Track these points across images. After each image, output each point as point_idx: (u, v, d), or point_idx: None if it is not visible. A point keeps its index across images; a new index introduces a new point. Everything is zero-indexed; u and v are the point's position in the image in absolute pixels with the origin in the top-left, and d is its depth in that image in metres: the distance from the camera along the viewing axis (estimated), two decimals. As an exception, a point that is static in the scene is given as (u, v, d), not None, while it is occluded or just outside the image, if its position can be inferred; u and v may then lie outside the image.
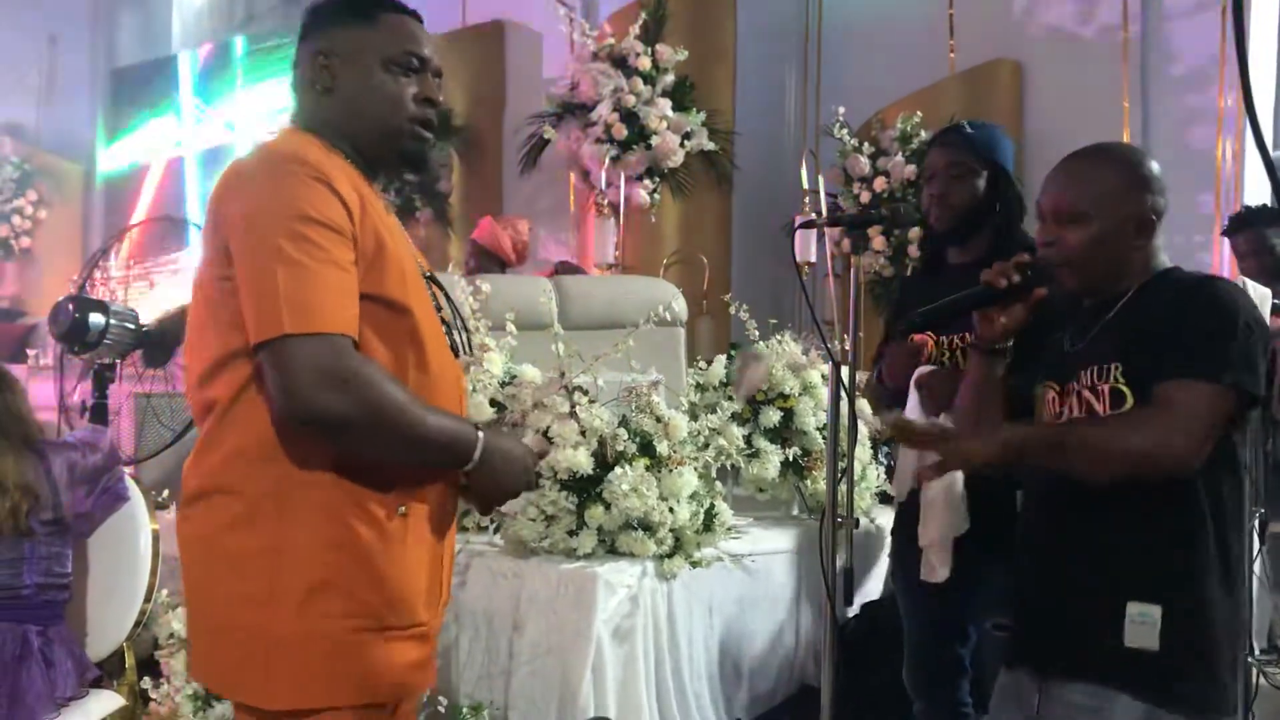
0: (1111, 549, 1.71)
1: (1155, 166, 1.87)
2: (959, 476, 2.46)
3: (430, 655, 1.77)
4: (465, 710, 3.02)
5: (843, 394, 2.32)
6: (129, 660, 2.75)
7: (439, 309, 1.79)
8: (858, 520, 2.33)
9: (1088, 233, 1.81)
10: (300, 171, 1.60)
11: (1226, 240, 4.16)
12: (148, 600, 2.77)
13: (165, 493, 3.13)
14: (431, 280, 1.80)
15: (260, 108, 8.92)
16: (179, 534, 1.71)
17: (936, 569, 2.52)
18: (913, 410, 2.41)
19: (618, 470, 3.10)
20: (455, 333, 1.83)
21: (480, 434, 1.70)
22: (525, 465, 1.82)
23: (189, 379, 1.71)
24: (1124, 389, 1.73)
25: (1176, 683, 1.66)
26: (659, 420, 3.24)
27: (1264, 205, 4.38)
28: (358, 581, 1.62)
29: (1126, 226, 1.81)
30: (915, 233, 4.98)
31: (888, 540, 3.09)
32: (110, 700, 2.62)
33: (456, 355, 1.80)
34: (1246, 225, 4.17)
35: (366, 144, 1.76)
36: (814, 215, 4.53)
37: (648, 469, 3.15)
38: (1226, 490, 1.71)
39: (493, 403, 3.30)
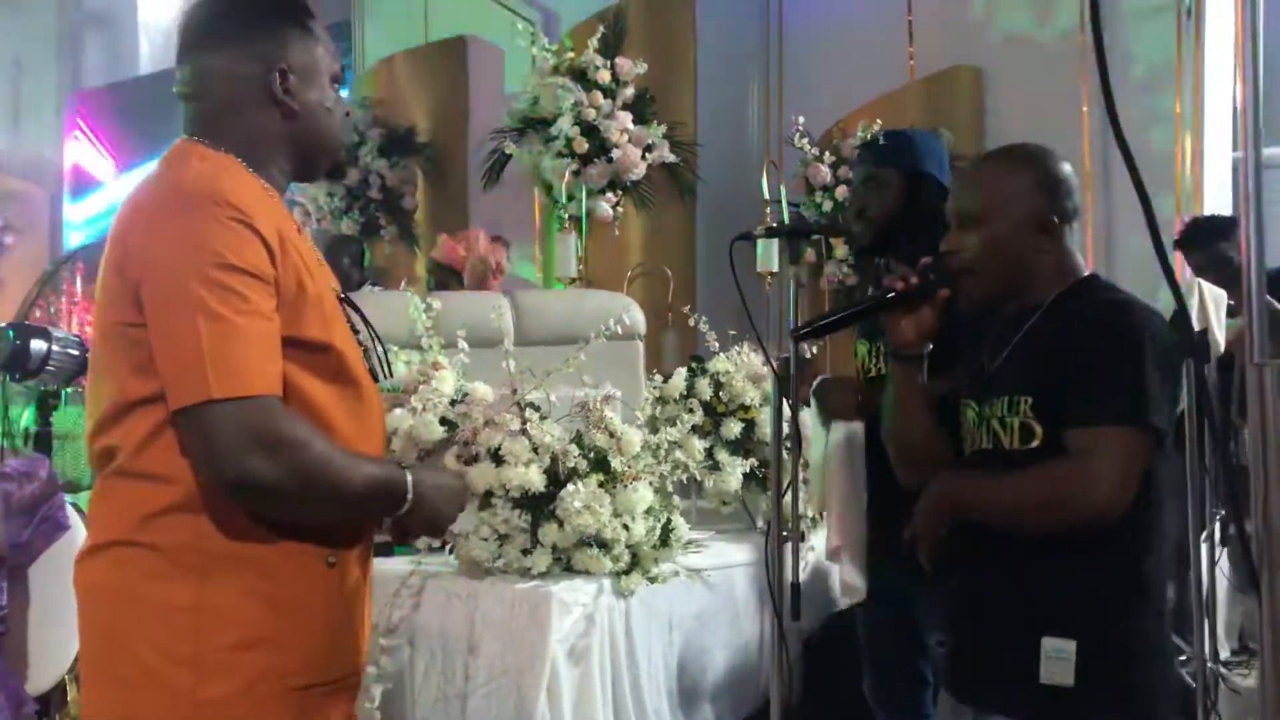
0: (1027, 582, 1.69)
1: (1065, 168, 1.84)
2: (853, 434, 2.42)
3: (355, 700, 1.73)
4: (418, 735, 2.98)
5: (785, 406, 2.30)
6: (71, 693, 2.70)
7: (356, 332, 1.75)
8: (803, 534, 2.30)
9: (986, 236, 1.79)
10: (219, 213, 1.51)
11: (1180, 250, 4.17)
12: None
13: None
14: (346, 302, 1.75)
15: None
16: (79, 584, 1.60)
17: (854, 584, 2.48)
18: (810, 420, 2.38)
19: (570, 487, 3.07)
20: (373, 356, 1.79)
21: (408, 475, 1.65)
22: (456, 491, 1.78)
23: (87, 424, 1.61)
24: (1033, 424, 1.70)
25: (1093, 713, 1.64)
26: (612, 435, 3.21)
27: (1213, 216, 4.38)
28: (288, 637, 1.56)
29: (1025, 229, 1.78)
30: (838, 241, 4.99)
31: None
32: (50, 735, 2.57)
33: (376, 380, 1.76)
34: (1200, 242, 4.18)
35: (307, 162, 1.70)
36: (768, 226, 4.52)
37: (601, 485, 3.12)
38: (1142, 518, 1.69)
39: (443, 421, 3.26)
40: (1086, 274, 1.84)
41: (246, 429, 1.45)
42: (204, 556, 1.52)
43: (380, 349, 1.81)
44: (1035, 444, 1.69)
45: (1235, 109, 5.52)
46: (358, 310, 1.77)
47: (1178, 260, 5.04)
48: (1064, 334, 1.72)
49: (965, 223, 1.80)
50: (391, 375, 1.87)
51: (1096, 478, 1.60)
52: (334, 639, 1.62)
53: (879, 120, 5.49)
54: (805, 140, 5.70)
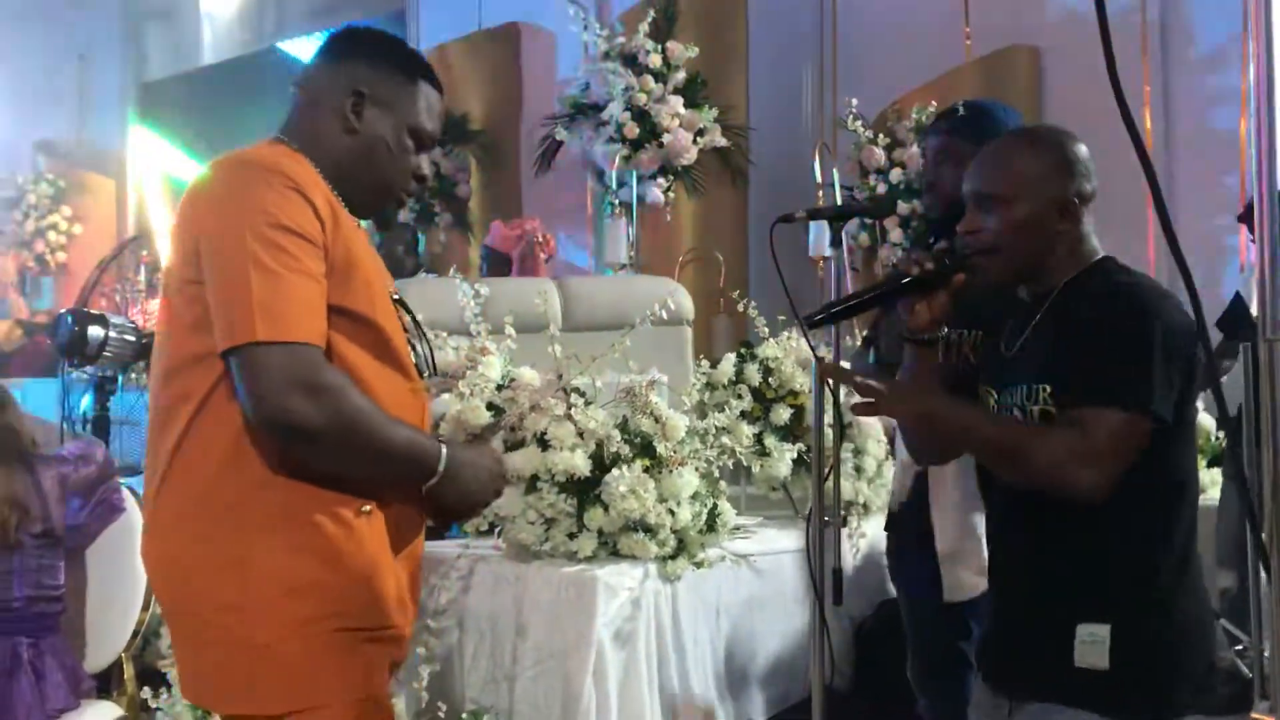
0: (1060, 568, 1.67)
1: (1083, 150, 1.80)
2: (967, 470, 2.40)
3: (399, 662, 1.76)
4: (465, 716, 3.01)
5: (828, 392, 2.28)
6: (128, 671, 2.77)
7: (405, 330, 1.79)
8: (846, 520, 2.28)
9: (1007, 217, 1.76)
10: (275, 180, 1.62)
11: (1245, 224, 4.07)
12: (145, 610, 2.78)
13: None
14: (399, 304, 1.82)
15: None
16: (145, 555, 1.71)
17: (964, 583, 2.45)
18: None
19: (615, 472, 3.07)
20: (419, 353, 1.83)
21: (443, 448, 1.71)
22: (493, 472, 1.81)
23: (151, 382, 1.72)
24: (1054, 411, 1.68)
25: (1129, 694, 1.62)
26: (657, 420, 3.21)
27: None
28: (326, 583, 1.63)
29: (1048, 211, 1.75)
30: (893, 223, 4.92)
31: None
32: (108, 711, 2.64)
33: (421, 375, 1.80)
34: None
35: (354, 189, 1.77)
36: (811, 209, 4.48)
37: (646, 470, 3.12)
38: (1166, 499, 1.66)
39: (489, 406, 3.28)
40: (1101, 256, 1.80)
41: (289, 370, 1.54)
42: (240, 510, 1.61)
43: (429, 349, 1.86)
44: None
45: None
46: (410, 312, 1.83)
47: (1241, 236, 4.93)
48: (1079, 315, 1.70)
49: (984, 204, 1.78)
50: (436, 372, 1.93)
51: (1082, 455, 1.57)
52: (372, 589, 1.67)
53: (934, 102, 5.41)
54: (859, 123, 5.63)
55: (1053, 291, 1.77)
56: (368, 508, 1.67)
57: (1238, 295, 3.73)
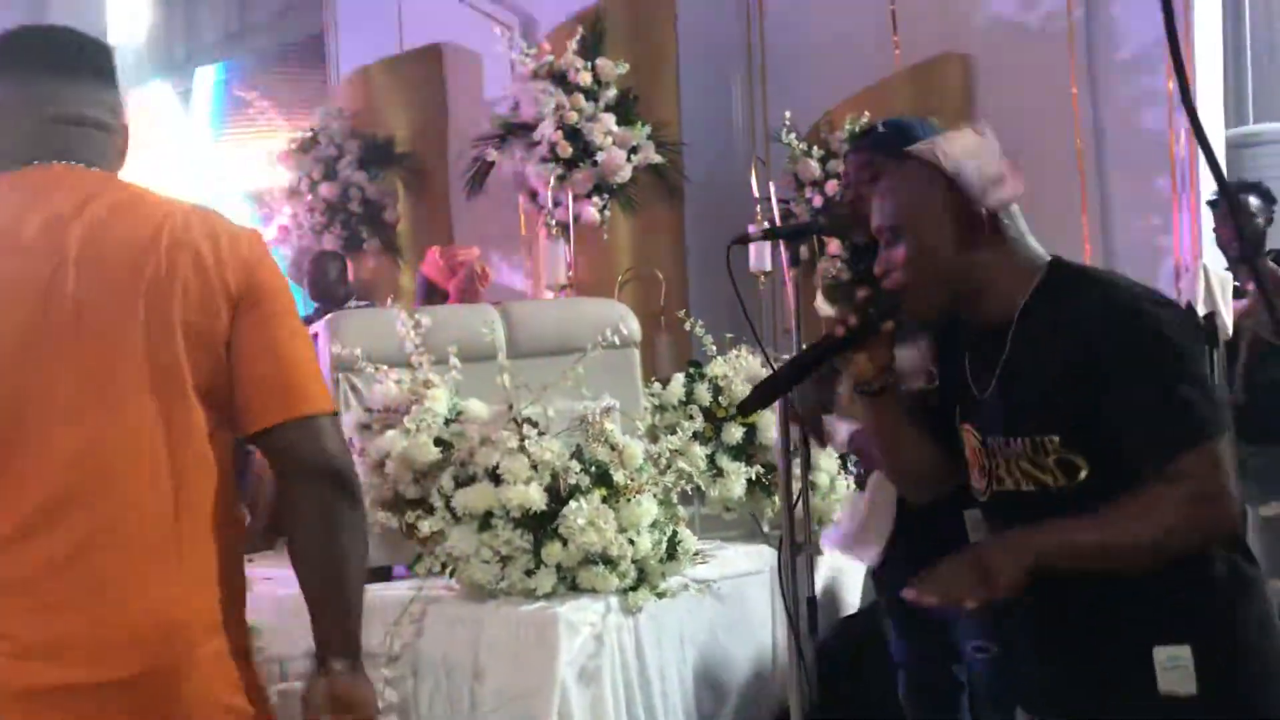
0: (1126, 590, 1.56)
1: (983, 154, 1.67)
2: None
3: None
4: (426, 768, 2.89)
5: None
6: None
7: None
8: (820, 548, 2.21)
9: (911, 247, 1.64)
10: None
11: (1187, 217, 4.10)
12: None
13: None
14: None
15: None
16: None
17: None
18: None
19: (572, 504, 2.98)
20: None
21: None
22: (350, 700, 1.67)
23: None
24: (1073, 459, 1.56)
25: (1224, 716, 1.54)
26: (613, 448, 3.12)
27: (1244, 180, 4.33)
28: None
29: (944, 230, 1.63)
30: (836, 245, 4.90)
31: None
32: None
33: None
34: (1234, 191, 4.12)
35: None
36: (765, 225, 4.45)
37: (604, 500, 3.03)
38: None
39: (438, 441, 3.17)
40: (1048, 261, 1.67)
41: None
42: None
43: None
44: (1084, 475, 1.57)
45: (1225, 87, 5.47)
46: None
47: (1175, 235, 4.98)
48: (1073, 351, 1.56)
49: (890, 239, 1.68)
50: None
51: (1199, 503, 1.48)
52: None
53: (866, 112, 5.40)
54: (792, 136, 5.60)
55: (1011, 320, 1.64)
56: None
57: (1180, 293, 3.76)
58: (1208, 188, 4.91)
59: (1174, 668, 1.51)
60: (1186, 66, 4.54)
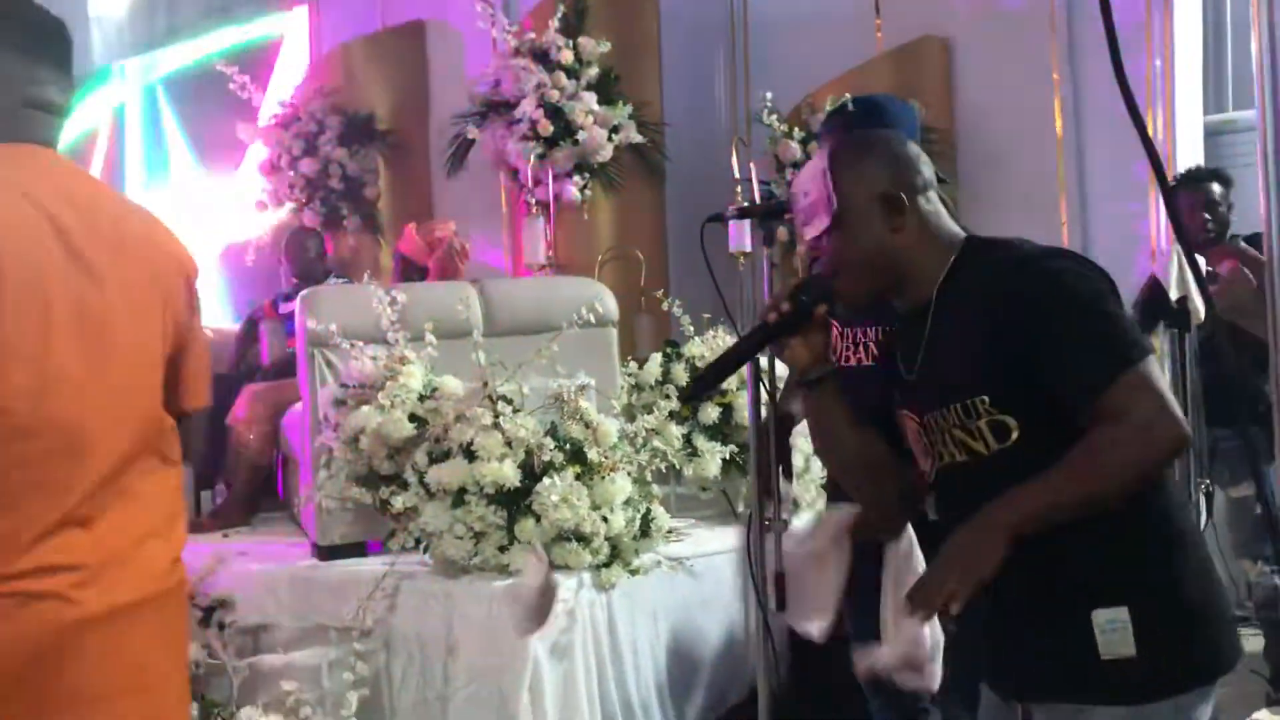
0: (1060, 557, 1.57)
1: (896, 143, 1.71)
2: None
3: None
4: (399, 742, 2.91)
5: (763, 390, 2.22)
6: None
7: None
8: (786, 522, 2.22)
9: (835, 233, 1.67)
10: None
11: (1163, 204, 4.11)
12: None
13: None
14: None
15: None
16: None
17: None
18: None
19: (546, 481, 2.99)
20: None
21: None
22: None
23: None
24: (1004, 418, 1.58)
25: (1157, 677, 1.55)
26: (587, 426, 3.13)
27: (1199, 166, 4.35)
28: None
29: (869, 214, 1.66)
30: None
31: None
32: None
33: None
34: (1196, 177, 4.14)
35: None
36: (744, 204, 4.44)
37: (578, 477, 3.05)
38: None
39: (412, 417, 3.17)
40: (963, 239, 1.70)
41: None
42: None
43: None
44: (1015, 436, 1.59)
45: (1205, 73, 5.48)
46: None
47: (1152, 220, 5.00)
48: (993, 315, 1.59)
49: (825, 233, 1.70)
50: None
51: (1142, 429, 1.48)
52: None
53: (848, 94, 5.37)
54: (774, 117, 5.59)
55: (930, 300, 1.67)
56: None
57: (1153, 278, 3.77)
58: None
59: (1113, 630, 1.52)
60: (1165, 51, 4.54)
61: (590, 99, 5.43)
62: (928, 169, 1.72)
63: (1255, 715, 3.33)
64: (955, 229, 1.72)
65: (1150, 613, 1.55)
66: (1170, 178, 4.46)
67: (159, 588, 1.69)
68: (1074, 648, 1.56)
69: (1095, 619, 1.53)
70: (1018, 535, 1.50)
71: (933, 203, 1.71)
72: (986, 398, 1.59)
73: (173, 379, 1.74)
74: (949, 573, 1.51)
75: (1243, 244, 3.68)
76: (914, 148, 1.72)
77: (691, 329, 3.97)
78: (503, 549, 3.03)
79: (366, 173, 6.48)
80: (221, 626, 2.97)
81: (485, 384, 3.12)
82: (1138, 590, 1.57)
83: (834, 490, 2.93)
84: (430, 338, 3.31)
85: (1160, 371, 1.54)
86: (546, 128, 5.34)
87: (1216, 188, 4.01)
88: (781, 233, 5.31)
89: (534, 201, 5.38)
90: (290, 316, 4.32)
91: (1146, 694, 1.56)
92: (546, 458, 3.02)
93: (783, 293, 1.74)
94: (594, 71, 5.50)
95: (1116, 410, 1.49)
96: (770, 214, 2.38)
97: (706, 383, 1.84)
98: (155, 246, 1.73)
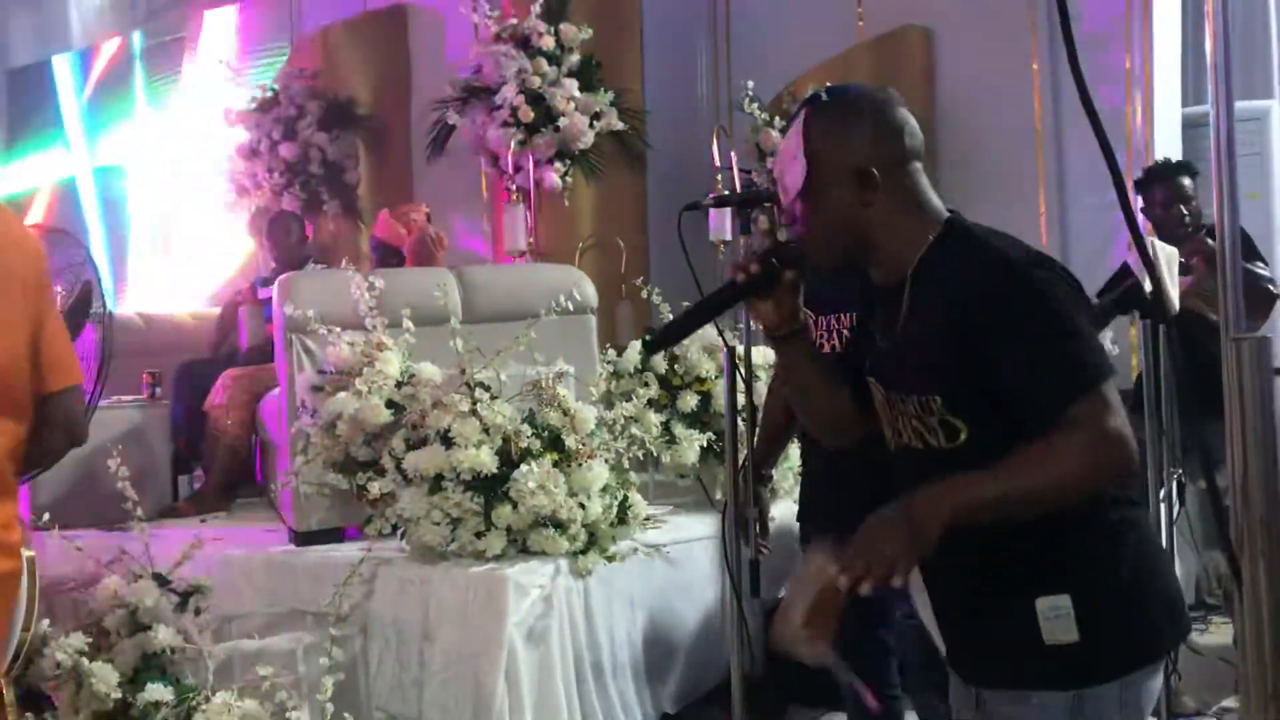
0: (1002, 546, 1.59)
1: (883, 112, 1.65)
2: None
3: None
4: (374, 726, 2.92)
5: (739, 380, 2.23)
6: (7, 696, 2.59)
7: None
8: (760, 510, 2.24)
9: (806, 203, 1.66)
10: None
11: (1139, 195, 4.13)
12: (26, 630, 2.60)
13: (46, 516, 2.97)
14: None
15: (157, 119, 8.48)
16: None
17: None
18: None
19: (523, 468, 3.00)
20: None
21: None
22: None
23: None
24: (954, 421, 1.58)
25: (1100, 660, 1.57)
26: (565, 413, 3.14)
27: (1173, 160, 4.37)
28: None
29: (843, 186, 1.63)
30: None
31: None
32: (-14, 740, 2.46)
33: None
34: (1163, 174, 4.16)
35: None
36: (723, 193, 4.45)
37: (555, 464, 3.05)
38: None
39: (389, 404, 3.17)
40: (946, 218, 1.68)
41: None
42: None
43: None
44: (963, 438, 1.59)
45: (1184, 65, 5.51)
46: None
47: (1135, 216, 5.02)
48: (951, 312, 1.57)
49: (789, 194, 1.70)
50: None
51: (1102, 440, 1.48)
52: None
53: (829, 83, 5.39)
54: (755, 105, 5.60)
55: (906, 270, 1.65)
56: None
57: (1125, 265, 3.79)
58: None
59: (1056, 617, 1.54)
60: (1144, 44, 4.55)
61: (571, 85, 5.42)
62: (913, 139, 1.67)
63: (1224, 702, 3.38)
64: (937, 205, 1.69)
65: (1091, 598, 1.57)
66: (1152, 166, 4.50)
67: None
68: (1018, 635, 1.58)
69: (1038, 606, 1.55)
70: (953, 521, 1.49)
71: (913, 176, 1.67)
72: (939, 398, 1.60)
73: (36, 358, 1.93)
74: (886, 542, 1.49)
75: (1210, 241, 3.71)
76: (901, 114, 1.67)
77: (671, 317, 3.97)
78: (479, 534, 3.04)
79: (346, 157, 6.47)
80: (197, 611, 2.97)
81: (463, 370, 3.12)
82: (1078, 577, 1.58)
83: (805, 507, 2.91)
84: (408, 324, 3.31)
85: (1115, 393, 1.54)
86: (527, 114, 5.33)
87: (1187, 181, 4.05)
88: (761, 221, 5.32)
89: (514, 188, 5.38)
90: (269, 301, 4.30)
91: (1091, 677, 1.57)
92: (524, 444, 3.03)
93: (751, 254, 1.74)
94: (575, 58, 5.50)
95: (1072, 424, 1.50)
96: (747, 202, 2.38)
97: (670, 336, 1.85)
98: (11, 241, 1.93)
